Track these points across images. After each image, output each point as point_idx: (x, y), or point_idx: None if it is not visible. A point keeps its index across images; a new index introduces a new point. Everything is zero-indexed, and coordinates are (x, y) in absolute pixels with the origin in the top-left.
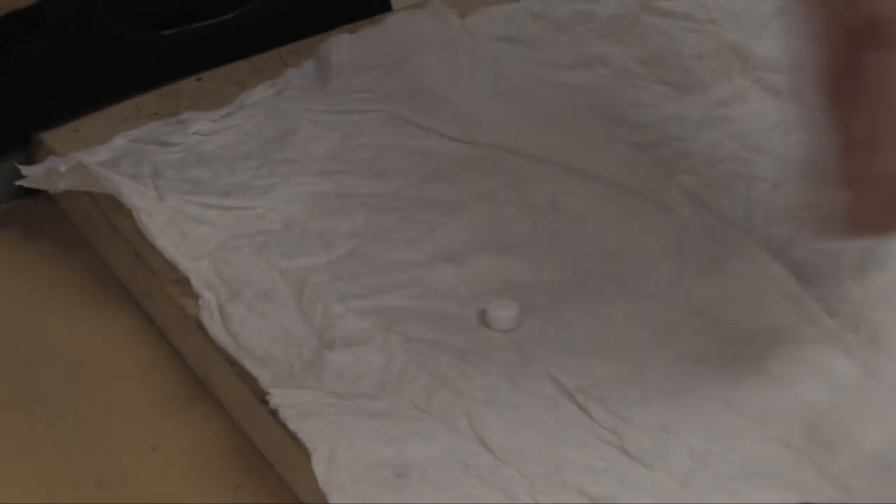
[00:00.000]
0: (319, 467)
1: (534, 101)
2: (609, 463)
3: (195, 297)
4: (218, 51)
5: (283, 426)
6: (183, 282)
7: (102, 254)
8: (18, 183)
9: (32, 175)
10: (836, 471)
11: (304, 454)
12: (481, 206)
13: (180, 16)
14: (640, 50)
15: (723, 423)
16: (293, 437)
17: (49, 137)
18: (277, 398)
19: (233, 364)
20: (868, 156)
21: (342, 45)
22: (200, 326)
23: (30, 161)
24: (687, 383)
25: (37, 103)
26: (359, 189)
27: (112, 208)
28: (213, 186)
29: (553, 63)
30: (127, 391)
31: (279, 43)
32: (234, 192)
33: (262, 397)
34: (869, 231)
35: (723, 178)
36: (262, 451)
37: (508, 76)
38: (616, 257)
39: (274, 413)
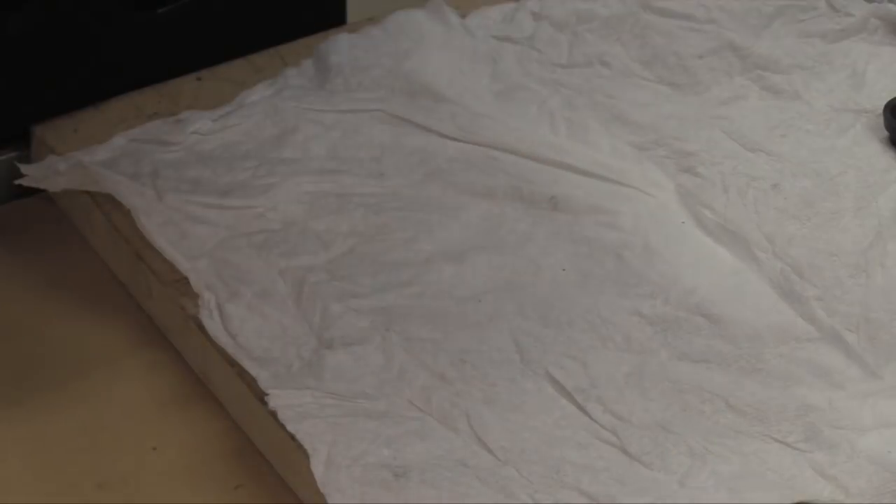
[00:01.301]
0: (318, 468)
1: (534, 101)
2: (608, 462)
3: (195, 297)
4: (210, 28)
5: (283, 426)
6: (183, 282)
7: (102, 254)
8: (18, 182)
9: (32, 174)
10: (835, 471)
11: (304, 454)
12: (480, 205)
13: None
14: (640, 50)
15: (722, 423)
16: (293, 438)
17: (49, 137)
18: (276, 399)
19: (232, 364)
20: None
21: (341, 45)
22: (200, 326)
23: (29, 160)
24: (686, 383)
25: (32, 82)
26: (358, 188)
27: (112, 208)
28: (212, 186)
29: (553, 63)
30: (127, 391)
31: (273, 30)
32: (233, 192)
33: (261, 397)
34: None
35: (723, 178)
36: (262, 451)
37: (508, 75)
38: (616, 257)
39: (273, 413)
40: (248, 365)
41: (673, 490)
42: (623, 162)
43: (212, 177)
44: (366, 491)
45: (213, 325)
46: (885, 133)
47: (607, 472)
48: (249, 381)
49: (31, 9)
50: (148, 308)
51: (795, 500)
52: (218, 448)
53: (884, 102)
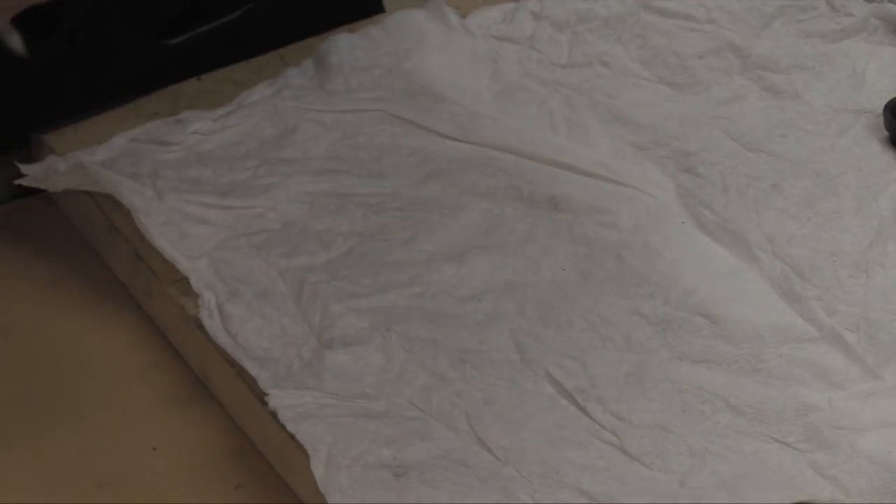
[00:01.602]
0: (318, 468)
1: (534, 101)
2: (608, 462)
3: (195, 297)
4: (223, 55)
5: (283, 426)
6: (183, 282)
7: (102, 254)
8: (18, 182)
9: (32, 174)
10: (835, 471)
11: (304, 454)
12: (480, 205)
13: (187, 16)
14: (640, 50)
15: (722, 423)
16: (293, 438)
17: (49, 137)
18: (276, 399)
19: (232, 364)
20: None
21: (341, 45)
22: (200, 326)
23: (29, 160)
24: (686, 383)
25: (47, 104)
26: (358, 188)
27: (112, 208)
28: (212, 186)
29: (553, 63)
30: (127, 391)
31: (280, 44)
32: (233, 192)
33: (261, 397)
34: None
35: (723, 178)
36: (262, 451)
37: (508, 75)
38: (616, 257)
39: (273, 413)
40: (248, 365)
41: (673, 490)
42: (623, 162)
43: (212, 177)
44: (366, 491)
45: (213, 325)
46: (885, 133)
47: (607, 472)
48: (249, 381)
49: (54, 44)
50: (148, 308)
51: (795, 500)
52: (218, 448)
53: (884, 102)
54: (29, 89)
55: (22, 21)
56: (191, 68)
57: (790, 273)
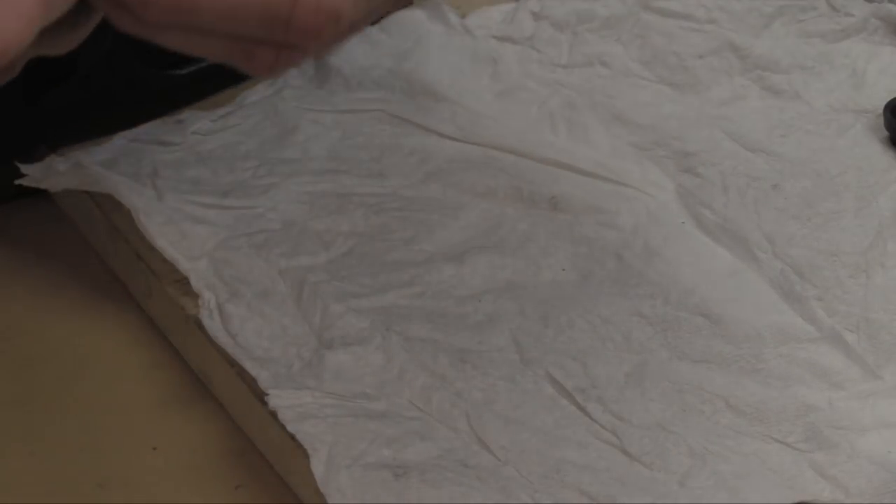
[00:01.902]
0: (318, 468)
1: (534, 101)
2: (608, 462)
3: (195, 297)
4: (233, 77)
5: (283, 426)
6: (183, 282)
7: (102, 254)
8: (18, 182)
9: (32, 174)
10: (835, 471)
11: (304, 454)
12: (481, 205)
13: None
14: (640, 50)
15: (722, 423)
16: (293, 438)
17: None
18: (276, 399)
19: (233, 364)
20: None
21: (342, 45)
22: (200, 326)
23: (29, 160)
24: (686, 383)
25: (58, 138)
26: (358, 188)
27: (112, 208)
28: (212, 186)
29: (553, 63)
30: (127, 391)
31: None
32: (233, 192)
33: (261, 397)
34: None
35: (723, 178)
36: (262, 451)
37: (508, 76)
38: (616, 257)
39: (274, 413)
40: (248, 365)
41: (673, 490)
42: (623, 162)
43: (212, 177)
44: (366, 491)
45: (213, 325)
46: (885, 133)
47: (607, 472)
48: (249, 382)
49: (72, 87)
50: (148, 308)
51: (795, 500)
52: (218, 448)
53: (884, 102)
54: (36, 125)
55: (34, 68)
56: (200, 94)
57: (790, 273)
